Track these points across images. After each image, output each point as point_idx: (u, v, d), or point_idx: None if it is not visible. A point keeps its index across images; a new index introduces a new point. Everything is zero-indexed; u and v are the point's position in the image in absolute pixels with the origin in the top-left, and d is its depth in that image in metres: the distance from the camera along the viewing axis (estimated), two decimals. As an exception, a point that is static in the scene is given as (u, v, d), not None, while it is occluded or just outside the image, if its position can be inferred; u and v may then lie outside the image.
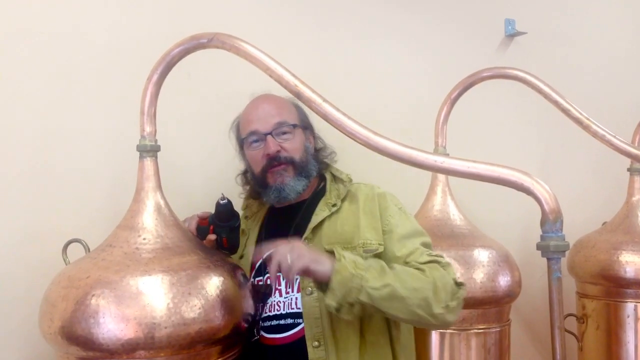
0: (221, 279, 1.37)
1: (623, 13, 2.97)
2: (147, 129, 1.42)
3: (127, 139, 1.48)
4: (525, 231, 2.43)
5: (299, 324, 1.45)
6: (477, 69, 2.07)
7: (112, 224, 1.45)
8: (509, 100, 2.52)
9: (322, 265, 1.30)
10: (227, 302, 1.35)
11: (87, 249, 1.46)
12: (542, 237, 1.04)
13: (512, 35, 2.59)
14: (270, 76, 1.26)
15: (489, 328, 1.97)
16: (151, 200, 1.41)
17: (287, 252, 1.28)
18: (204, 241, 1.45)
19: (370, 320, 1.46)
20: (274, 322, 1.47)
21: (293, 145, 1.54)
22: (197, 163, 1.85)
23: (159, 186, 1.44)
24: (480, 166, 1.11)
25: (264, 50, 1.29)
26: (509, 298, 1.99)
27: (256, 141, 1.54)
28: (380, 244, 1.47)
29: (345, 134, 1.22)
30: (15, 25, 1.60)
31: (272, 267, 1.28)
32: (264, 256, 1.36)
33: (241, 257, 1.60)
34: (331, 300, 1.30)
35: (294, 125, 1.55)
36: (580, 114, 1.87)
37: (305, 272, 1.30)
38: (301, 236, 1.50)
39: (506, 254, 2.01)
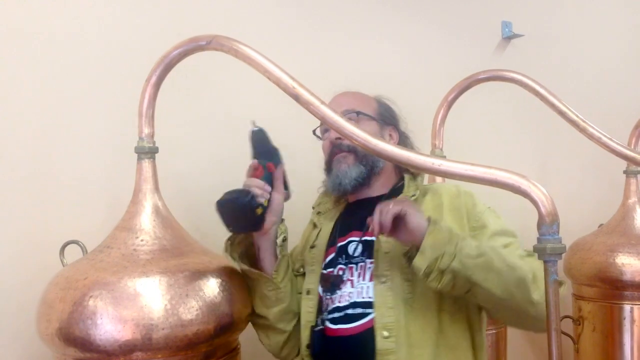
0: (219, 280, 1.37)
1: (619, 16, 2.98)
2: (145, 130, 1.42)
3: (125, 140, 1.48)
4: (522, 233, 2.42)
5: (368, 314, 1.36)
6: (474, 71, 2.08)
7: (109, 226, 1.45)
8: (506, 103, 2.52)
9: (419, 218, 1.25)
10: (224, 304, 1.35)
11: (84, 250, 1.46)
12: (538, 240, 1.04)
13: (509, 37, 2.60)
14: (269, 78, 1.26)
15: (485, 330, 1.97)
16: (149, 201, 1.42)
17: (390, 203, 1.26)
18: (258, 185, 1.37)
19: (452, 320, 1.38)
20: (342, 313, 1.39)
21: None
22: (195, 164, 1.85)
23: (157, 188, 1.44)
24: (477, 169, 1.11)
25: (262, 52, 1.29)
26: (505, 300, 1.99)
27: (326, 131, 1.55)
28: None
29: (344, 136, 1.22)
30: (12, 27, 1.60)
31: (375, 215, 1.26)
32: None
33: (313, 247, 1.54)
34: (421, 263, 1.23)
35: (358, 113, 1.51)
36: (577, 116, 1.87)
37: (401, 219, 1.25)
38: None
39: (503, 256, 2.01)
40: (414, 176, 1.55)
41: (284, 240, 1.44)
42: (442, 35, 2.45)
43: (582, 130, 1.86)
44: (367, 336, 1.35)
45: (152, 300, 1.26)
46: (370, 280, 1.39)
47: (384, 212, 1.25)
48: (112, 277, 1.28)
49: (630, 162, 2.31)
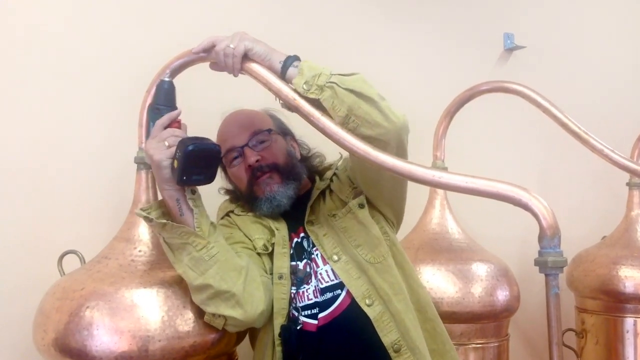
0: (217, 291, 1.36)
1: (621, 27, 2.98)
2: (145, 140, 1.41)
3: (125, 150, 1.48)
4: (524, 245, 2.42)
5: (339, 295, 1.40)
6: (476, 83, 2.08)
7: (108, 236, 1.44)
8: (508, 114, 2.52)
9: (262, 46, 1.29)
10: (222, 316, 1.33)
11: (82, 260, 1.46)
12: (540, 253, 1.04)
13: (511, 49, 2.60)
14: (269, 90, 1.26)
15: (487, 343, 1.96)
16: (148, 212, 1.41)
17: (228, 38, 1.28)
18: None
19: (395, 254, 1.47)
20: (317, 307, 1.41)
21: (273, 152, 1.50)
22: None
23: (156, 198, 1.43)
24: (478, 181, 1.10)
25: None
26: (507, 313, 1.98)
27: (236, 157, 1.51)
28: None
29: (344, 148, 1.22)
30: (12, 35, 1.60)
31: (221, 60, 1.28)
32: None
33: (277, 229, 1.50)
34: (299, 80, 1.25)
35: (269, 131, 1.52)
36: (579, 128, 1.87)
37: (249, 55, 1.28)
38: (304, 221, 1.49)
39: (505, 269, 2.00)
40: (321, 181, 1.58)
41: (193, 192, 1.31)
42: (444, 46, 2.45)
43: (585, 142, 1.86)
44: (352, 312, 1.39)
45: (149, 312, 1.25)
46: (325, 264, 1.44)
47: (229, 55, 1.27)
48: (110, 287, 1.27)
49: (633, 174, 2.30)
